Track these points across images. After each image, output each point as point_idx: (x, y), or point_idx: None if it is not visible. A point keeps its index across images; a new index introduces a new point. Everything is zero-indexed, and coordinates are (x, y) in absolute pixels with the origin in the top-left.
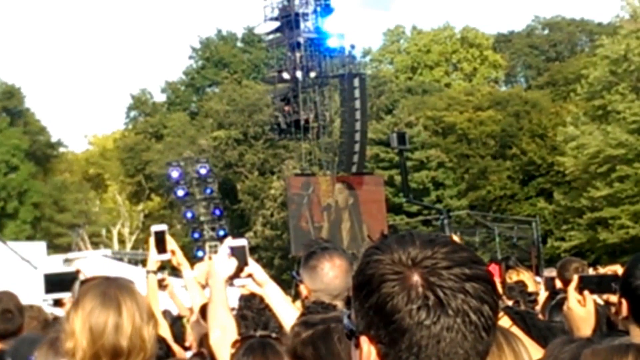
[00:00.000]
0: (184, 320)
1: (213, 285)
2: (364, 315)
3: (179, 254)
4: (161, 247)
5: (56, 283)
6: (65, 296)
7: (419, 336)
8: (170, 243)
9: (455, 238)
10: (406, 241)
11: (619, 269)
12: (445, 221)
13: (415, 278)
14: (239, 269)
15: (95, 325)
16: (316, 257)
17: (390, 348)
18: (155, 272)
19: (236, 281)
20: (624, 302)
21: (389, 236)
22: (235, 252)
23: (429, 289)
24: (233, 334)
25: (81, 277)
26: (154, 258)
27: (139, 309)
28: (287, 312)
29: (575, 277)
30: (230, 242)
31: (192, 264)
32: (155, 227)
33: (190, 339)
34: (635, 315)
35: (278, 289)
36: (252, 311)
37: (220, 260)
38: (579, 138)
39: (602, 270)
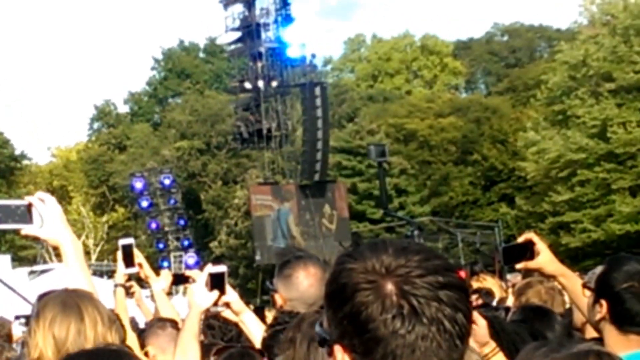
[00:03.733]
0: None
1: (188, 315)
2: (338, 324)
3: (146, 266)
4: (129, 260)
5: (8, 213)
6: (17, 227)
7: (394, 345)
8: (138, 256)
9: None
10: (379, 249)
11: (533, 237)
12: (416, 232)
13: (389, 287)
14: (217, 297)
15: (58, 334)
16: (291, 265)
17: (365, 357)
18: (123, 285)
19: (212, 308)
20: (603, 303)
21: (361, 244)
22: (215, 279)
23: (403, 298)
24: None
25: (33, 210)
26: (122, 271)
27: (101, 315)
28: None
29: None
30: (210, 268)
31: (157, 274)
32: (123, 241)
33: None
34: (614, 317)
35: (254, 316)
36: (218, 321)
37: (199, 290)
38: (539, 143)
39: None
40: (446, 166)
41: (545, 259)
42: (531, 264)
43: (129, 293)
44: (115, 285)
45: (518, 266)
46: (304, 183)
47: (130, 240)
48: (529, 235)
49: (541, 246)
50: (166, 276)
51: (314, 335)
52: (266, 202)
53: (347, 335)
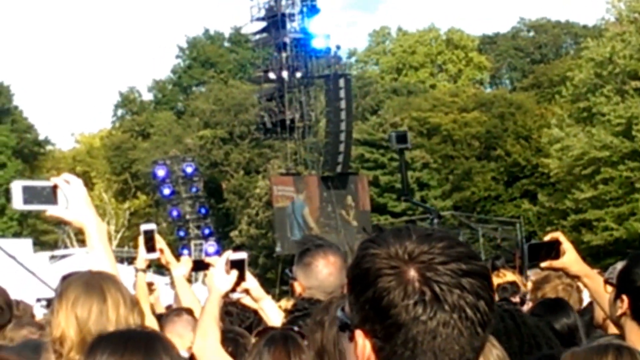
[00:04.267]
0: None
1: (208, 299)
2: (359, 309)
3: (167, 252)
4: (150, 245)
5: (34, 194)
6: (43, 208)
7: (415, 331)
8: (159, 242)
9: None
10: (403, 235)
11: (560, 236)
12: (435, 221)
13: (412, 273)
14: (236, 283)
15: (80, 314)
16: (310, 254)
17: (386, 343)
18: (144, 270)
19: (232, 295)
20: (624, 298)
21: (385, 230)
22: (235, 265)
23: (425, 284)
24: (215, 343)
25: (59, 192)
26: (143, 256)
27: (123, 297)
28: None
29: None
30: (230, 255)
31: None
32: (145, 226)
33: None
34: (635, 312)
35: (273, 304)
36: (237, 307)
37: (218, 274)
38: (563, 140)
39: None
40: (469, 161)
41: (570, 259)
42: (556, 264)
43: (149, 290)
44: (137, 270)
45: (543, 265)
46: (326, 175)
47: (152, 226)
48: (556, 234)
49: (567, 246)
50: (186, 262)
51: None
52: (287, 193)
53: (368, 321)
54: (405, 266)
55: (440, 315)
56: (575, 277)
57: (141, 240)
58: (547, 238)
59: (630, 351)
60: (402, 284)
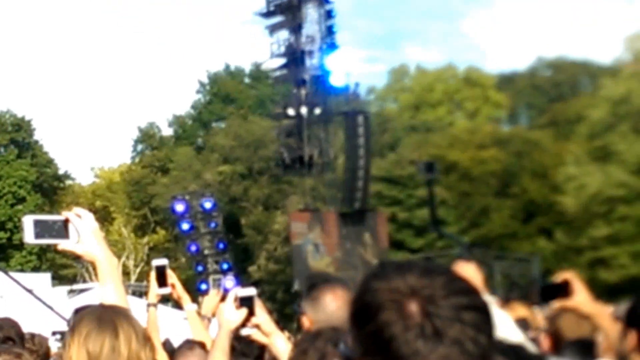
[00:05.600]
0: None
1: (218, 334)
2: (361, 342)
3: (179, 287)
4: (162, 280)
5: (45, 228)
6: (54, 242)
7: None
8: (171, 277)
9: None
10: (405, 269)
11: (571, 275)
12: (465, 253)
13: (413, 307)
14: (246, 319)
15: (92, 348)
16: (319, 288)
17: None
18: (155, 305)
19: (242, 330)
20: (633, 333)
21: (387, 264)
22: (244, 302)
23: (426, 318)
24: None
25: (70, 226)
26: (155, 291)
27: (136, 332)
28: None
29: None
30: (239, 291)
31: (195, 297)
32: (157, 262)
33: None
34: None
35: (284, 339)
36: (239, 343)
37: (228, 310)
38: (579, 178)
39: None
40: (486, 198)
41: (581, 298)
42: (568, 304)
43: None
44: (148, 305)
45: (555, 305)
46: (344, 211)
47: (164, 261)
48: (567, 274)
49: (578, 286)
50: (213, 297)
51: (326, 352)
52: (304, 230)
53: (370, 354)
54: (406, 300)
55: (440, 349)
56: (587, 317)
57: (153, 275)
58: (558, 278)
59: None
60: (403, 317)
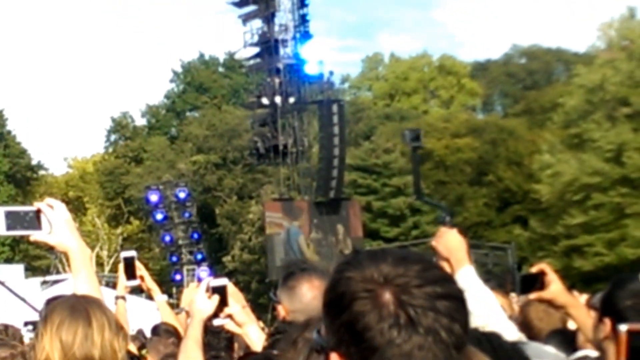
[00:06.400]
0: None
1: (191, 324)
2: (335, 332)
3: (148, 279)
4: (130, 272)
5: (17, 219)
6: (26, 233)
7: (390, 355)
8: (140, 269)
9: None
10: (378, 258)
11: (545, 267)
12: (447, 218)
13: (387, 296)
14: (219, 309)
15: (65, 338)
16: (295, 277)
17: None
18: (124, 298)
19: (215, 321)
20: (607, 321)
21: (361, 252)
22: (217, 291)
23: (400, 308)
24: None
25: (42, 217)
26: (123, 283)
27: (109, 321)
28: None
29: (519, 279)
30: (211, 281)
31: (169, 287)
32: (125, 254)
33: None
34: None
35: (257, 329)
36: (207, 334)
37: (200, 299)
38: (554, 166)
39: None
40: (461, 186)
41: (557, 290)
42: (544, 295)
43: None
44: (117, 298)
45: (531, 297)
46: (319, 200)
47: (132, 253)
48: (541, 265)
49: (552, 277)
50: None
51: None
52: (277, 219)
53: (343, 344)
54: (380, 289)
55: (414, 338)
56: (562, 308)
57: (121, 267)
58: (533, 269)
59: None
60: (377, 307)
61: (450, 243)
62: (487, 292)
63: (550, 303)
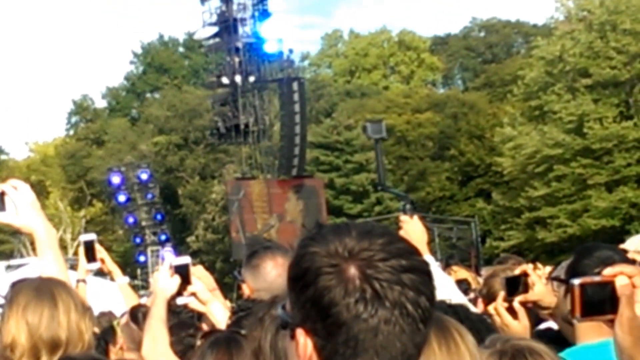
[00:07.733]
0: (115, 323)
1: (154, 302)
2: (300, 308)
3: (109, 261)
4: (91, 255)
5: None
6: None
7: (356, 329)
8: (100, 251)
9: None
10: (342, 232)
11: (528, 268)
12: (408, 206)
13: (352, 271)
14: (182, 287)
15: (31, 319)
16: (259, 255)
17: (327, 341)
18: (84, 281)
19: (179, 299)
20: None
21: (325, 226)
22: (179, 270)
23: (365, 282)
24: (164, 346)
25: (6, 199)
26: (84, 267)
27: (75, 303)
28: None
29: (502, 294)
30: (173, 260)
31: (134, 269)
32: (84, 237)
33: (121, 341)
34: None
35: (221, 306)
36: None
37: (163, 278)
38: (516, 139)
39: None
40: (423, 161)
41: (541, 291)
42: (529, 297)
43: None
44: (77, 281)
45: (518, 299)
46: (282, 178)
47: (92, 236)
48: (523, 267)
49: (535, 278)
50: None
51: None
52: (235, 197)
53: (309, 319)
54: (345, 264)
55: (381, 312)
56: (547, 309)
57: (81, 250)
58: (516, 271)
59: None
60: (342, 282)
61: (412, 234)
62: (447, 280)
63: (535, 304)
